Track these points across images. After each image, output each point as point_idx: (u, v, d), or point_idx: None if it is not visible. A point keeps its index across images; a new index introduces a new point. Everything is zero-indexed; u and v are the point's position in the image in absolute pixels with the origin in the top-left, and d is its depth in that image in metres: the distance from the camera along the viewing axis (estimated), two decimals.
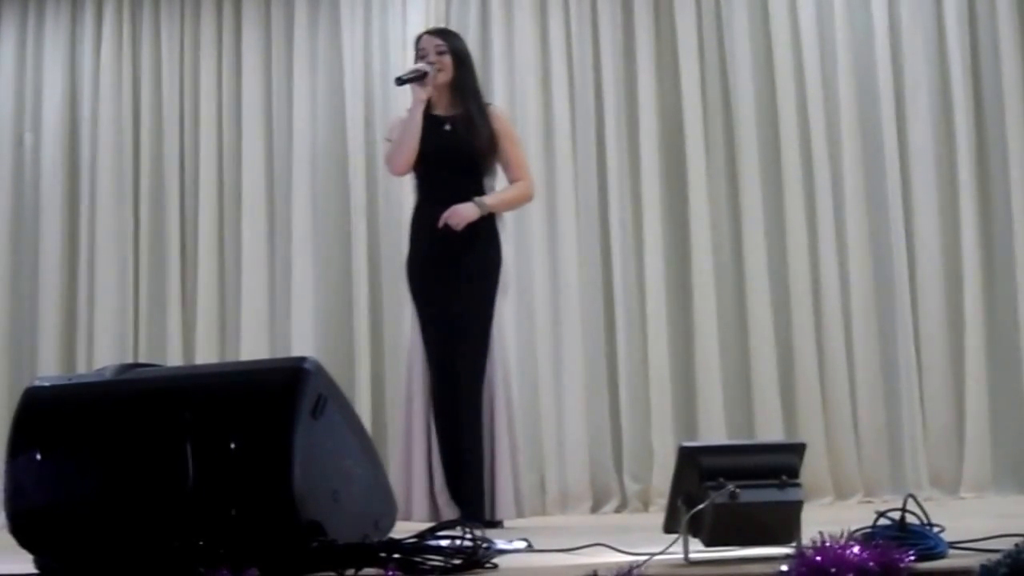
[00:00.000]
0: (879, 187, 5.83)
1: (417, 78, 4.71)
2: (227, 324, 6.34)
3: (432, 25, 6.19)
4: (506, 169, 4.85)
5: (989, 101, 5.84)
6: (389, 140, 4.89)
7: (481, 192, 4.75)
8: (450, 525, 3.05)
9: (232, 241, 6.38)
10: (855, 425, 5.71)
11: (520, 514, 4.68)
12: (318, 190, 6.23)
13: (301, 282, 6.17)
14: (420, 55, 4.82)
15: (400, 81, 4.76)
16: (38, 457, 3.12)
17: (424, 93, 4.71)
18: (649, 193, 5.97)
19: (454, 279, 4.70)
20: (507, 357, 4.84)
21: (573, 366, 5.89)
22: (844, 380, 5.73)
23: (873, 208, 5.84)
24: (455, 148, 4.74)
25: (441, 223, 4.63)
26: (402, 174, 4.91)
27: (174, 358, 6.18)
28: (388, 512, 3.31)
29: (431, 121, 4.76)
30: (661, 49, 6.12)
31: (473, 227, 4.68)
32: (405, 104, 4.91)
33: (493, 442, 4.62)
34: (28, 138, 6.67)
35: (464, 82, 4.82)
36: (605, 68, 6.09)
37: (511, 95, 6.14)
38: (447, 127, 4.77)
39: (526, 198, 4.97)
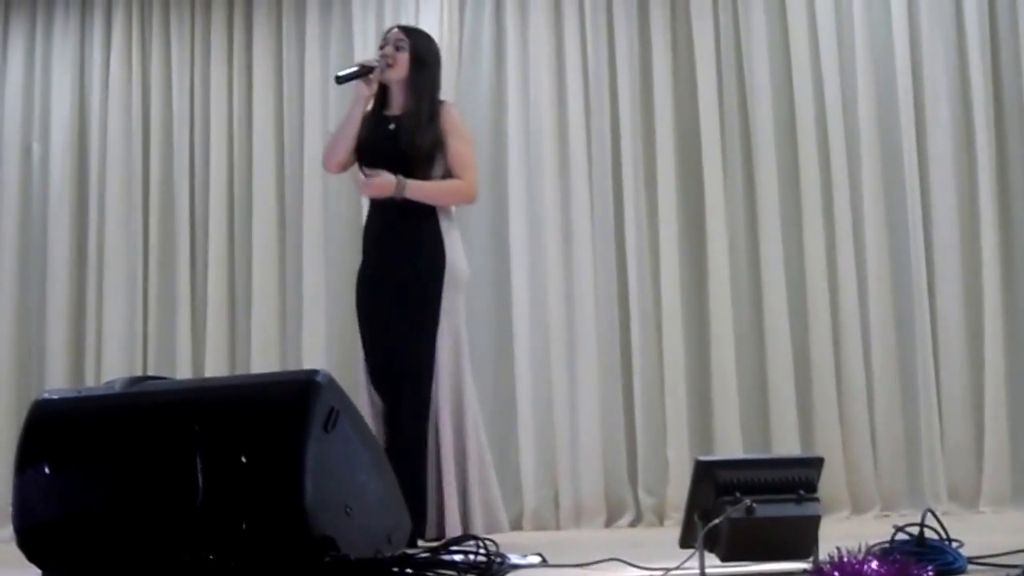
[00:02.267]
0: (898, 199, 5.79)
1: (358, 75, 4.48)
2: (237, 336, 6.31)
3: (445, 33, 6.19)
4: (450, 167, 4.57)
5: (1010, 113, 5.80)
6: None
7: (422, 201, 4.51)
8: (463, 540, 3.03)
9: (243, 251, 6.36)
10: (872, 438, 5.67)
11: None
12: (330, 199, 6.18)
13: (312, 293, 6.15)
14: (381, 44, 4.64)
15: (339, 79, 4.51)
16: (47, 471, 3.10)
17: (367, 90, 4.49)
18: (665, 204, 5.94)
19: (391, 293, 4.46)
20: (466, 371, 4.57)
21: (588, 378, 5.86)
22: (861, 393, 5.69)
23: (892, 219, 5.80)
24: (393, 149, 4.48)
25: (358, 181, 4.47)
26: (335, 171, 4.68)
27: (183, 370, 6.16)
28: (401, 526, 3.28)
29: (378, 119, 4.56)
30: (678, 59, 6.09)
31: (414, 233, 4.47)
32: None
33: (439, 458, 4.38)
34: (36, 147, 6.66)
35: (418, 83, 4.57)
36: (621, 77, 6.06)
37: (525, 104, 6.12)
38: (391, 127, 4.55)
39: (461, 196, 4.63)
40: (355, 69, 4.51)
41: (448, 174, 4.59)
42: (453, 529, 4.32)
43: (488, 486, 4.52)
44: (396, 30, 4.70)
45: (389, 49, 4.57)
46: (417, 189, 4.45)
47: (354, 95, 4.51)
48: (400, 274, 4.46)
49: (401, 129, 4.52)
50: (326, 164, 4.67)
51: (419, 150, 4.48)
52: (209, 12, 6.58)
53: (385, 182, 4.42)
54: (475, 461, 4.47)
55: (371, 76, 4.49)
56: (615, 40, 6.11)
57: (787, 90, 5.96)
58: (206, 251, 6.37)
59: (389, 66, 4.54)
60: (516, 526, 5.75)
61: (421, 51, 4.63)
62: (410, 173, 4.48)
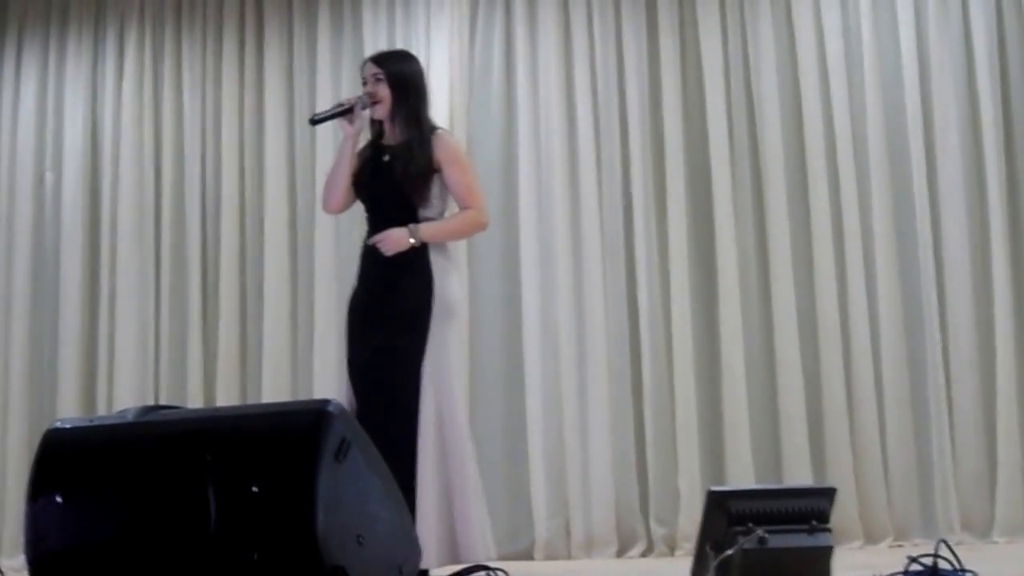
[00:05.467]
0: (909, 227, 5.79)
1: (336, 114, 4.42)
2: (249, 365, 6.31)
3: (455, 58, 6.21)
4: (454, 197, 4.50)
5: (1020, 140, 5.81)
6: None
7: (413, 222, 4.39)
8: (474, 570, 3.02)
9: (254, 280, 6.37)
10: (885, 467, 5.65)
11: (442, 563, 4.25)
12: (341, 227, 6.17)
13: (324, 322, 6.15)
14: (363, 83, 4.54)
15: (313, 121, 4.49)
16: (59, 500, 3.09)
17: (351, 128, 4.43)
18: (675, 230, 5.95)
19: (378, 321, 4.37)
20: (452, 398, 4.40)
21: (598, 408, 5.85)
22: (873, 422, 5.67)
23: (903, 248, 5.80)
24: (390, 181, 4.41)
25: (371, 241, 4.39)
26: (335, 211, 4.62)
27: (195, 400, 6.17)
28: (412, 556, 3.27)
29: (376, 151, 4.49)
30: (687, 84, 6.11)
31: (401, 263, 4.37)
32: None
33: (449, 487, 4.26)
34: (49, 177, 6.70)
35: (403, 110, 4.47)
36: (631, 101, 6.09)
37: (536, 128, 6.14)
38: (386, 158, 4.46)
39: (476, 227, 4.57)
40: (331, 110, 4.46)
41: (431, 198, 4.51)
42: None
43: (469, 519, 4.40)
44: (370, 64, 4.57)
45: (371, 87, 4.49)
46: (430, 232, 4.40)
47: (342, 134, 4.47)
48: (387, 307, 4.39)
49: (394, 161, 4.45)
50: (325, 206, 4.61)
51: (412, 178, 4.40)
52: (220, 41, 6.61)
53: (398, 236, 4.36)
54: (459, 493, 4.37)
55: (353, 115, 4.43)
56: (624, 64, 6.13)
57: (796, 118, 5.97)
58: (217, 279, 6.39)
59: (374, 103, 4.47)
60: (527, 556, 5.75)
61: (398, 76, 4.52)
62: (406, 202, 4.42)
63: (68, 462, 3.15)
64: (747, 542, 2.78)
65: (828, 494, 2.97)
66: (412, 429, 4.27)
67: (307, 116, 6.38)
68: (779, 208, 5.89)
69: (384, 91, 4.48)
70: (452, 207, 4.54)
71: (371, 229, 4.52)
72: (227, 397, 6.17)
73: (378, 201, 4.49)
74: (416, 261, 4.40)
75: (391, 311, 4.39)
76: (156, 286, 6.45)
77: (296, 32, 6.55)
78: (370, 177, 4.48)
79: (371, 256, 4.46)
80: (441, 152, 4.46)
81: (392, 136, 4.52)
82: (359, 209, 4.59)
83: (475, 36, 6.31)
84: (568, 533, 5.81)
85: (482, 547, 4.33)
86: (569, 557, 5.75)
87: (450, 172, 4.47)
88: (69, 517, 3.09)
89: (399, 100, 4.48)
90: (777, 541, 2.80)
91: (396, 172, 4.42)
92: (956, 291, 5.71)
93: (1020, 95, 5.83)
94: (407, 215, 4.41)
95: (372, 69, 4.52)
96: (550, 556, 5.76)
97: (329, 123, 6.20)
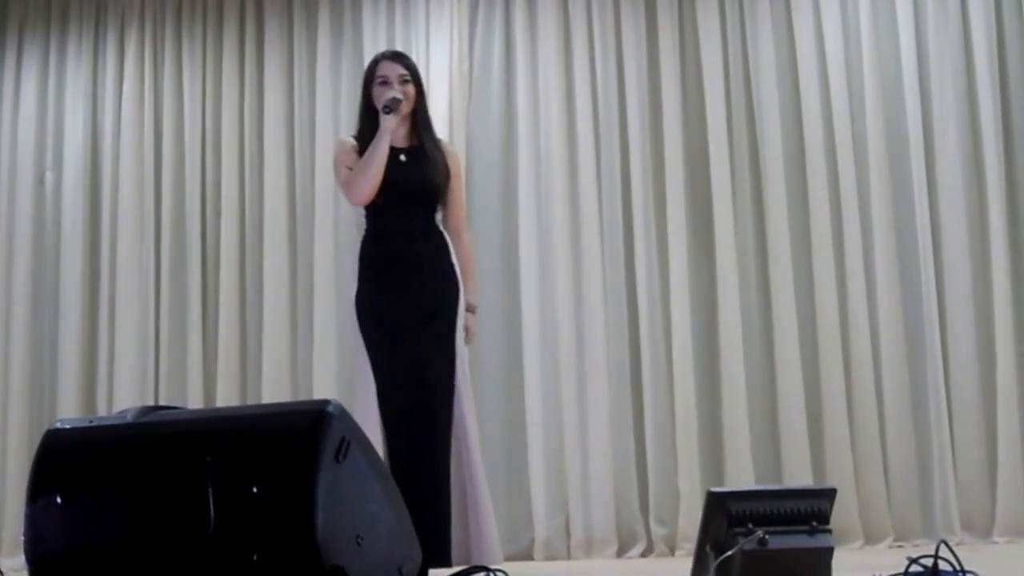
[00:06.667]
0: (908, 228, 5.79)
1: (394, 108, 4.46)
2: (248, 365, 6.32)
3: (455, 60, 6.21)
4: (448, 209, 4.57)
5: (1019, 141, 5.81)
6: (349, 168, 4.53)
7: (433, 223, 4.50)
8: (473, 571, 3.02)
9: (254, 281, 6.37)
10: (885, 468, 5.65)
11: (496, 560, 4.27)
12: (341, 226, 6.19)
13: (323, 322, 6.15)
14: (380, 81, 4.56)
15: (388, 110, 4.44)
16: (59, 501, 3.09)
17: (394, 122, 4.46)
18: (675, 232, 5.95)
19: (412, 316, 4.40)
20: (469, 391, 4.49)
21: (598, 408, 5.85)
22: (874, 423, 5.67)
23: (902, 249, 5.79)
24: (413, 181, 4.47)
25: (468, 342, 4.49)
26: (363, 204, 4.52)
27: (195, 400, 6.17)
28: (412, 556, 3.27)
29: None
30: (687, 86, 6.11)
31: (430, 260, 4.45)
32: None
33: (464, 485, 4.34)
34: (49, 177, 6.70)
35: (422, 113, 4.60)
36: (630, 104, 6.09)
37: (535, 130, 6.15)
38: (403, 158, 4.51)
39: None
40: (394, 101, 4.48)
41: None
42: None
43: (491, 519, 4.45)
44: (390, 63, 4.60)
45: (398, 86, 4.53)
46: (473, 286, 4.58)
47: (381, 128, 4.44)
48: (424, 310, 4.43)
49: (416, 161, 4.51)
50: (356, 198, 4.52)
51: (436, 182, 4.50)
52: (220, 41, 6.62)
53: (472, 322, 4.52)
54: (483, 492, 4.42)
55: (399, 110, 4.48)
56: (624, 65, 6.13)
57: (796, 119, 5.97)
58: (217, 280, 6.39)
59: (406, 100, 4.52)
60: (527, 556, 5.75)
61: (419, 78, 4.63)
62: (429, 201, 4.51)
63: (68, 463, 3.15)
64: (747, 543, 2.77)
65: (828, 495, 2.97)
66: (449, 434, 4.35)
67: (307, 116, 6.44)
68: (779, 209, 5.89)
69: (411, 91, 4.56)
70: None
71: (380, 228, 4.52)
72: (227, 397, 6.18)
73: (400, 199, 4.49)
74: (446, 263, 4.49)
75: (430, 314, 4.43)
76: (156, 286, 6.45)
77: (296, 32, 6.55)
78: (389, 177, 4.47)
79: (391, 259, 4.48)
80: (452, 163, 4.60)
81: (400, 138, 4.55)
82: (359, 210, 4.58)
83: (475, 36, 6.31)
84: (568, 533, 5.81)
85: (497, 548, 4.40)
86: (569, 557, 5.75)
87: (455, 185, 4.58)
88: (69, 518, 3.09)
89: (419, 102, 4.59)
90: (777, 542, 2.80)
91: (422, 174, 4.49)
92: (956, 291, 5.71)
93: (1020, 95, 5.83)
94: (425, 216, 4.50)
95: (399, 69, 4.58)
96: (550, 556, 5.76)
97: (328, 122, 6.34)
